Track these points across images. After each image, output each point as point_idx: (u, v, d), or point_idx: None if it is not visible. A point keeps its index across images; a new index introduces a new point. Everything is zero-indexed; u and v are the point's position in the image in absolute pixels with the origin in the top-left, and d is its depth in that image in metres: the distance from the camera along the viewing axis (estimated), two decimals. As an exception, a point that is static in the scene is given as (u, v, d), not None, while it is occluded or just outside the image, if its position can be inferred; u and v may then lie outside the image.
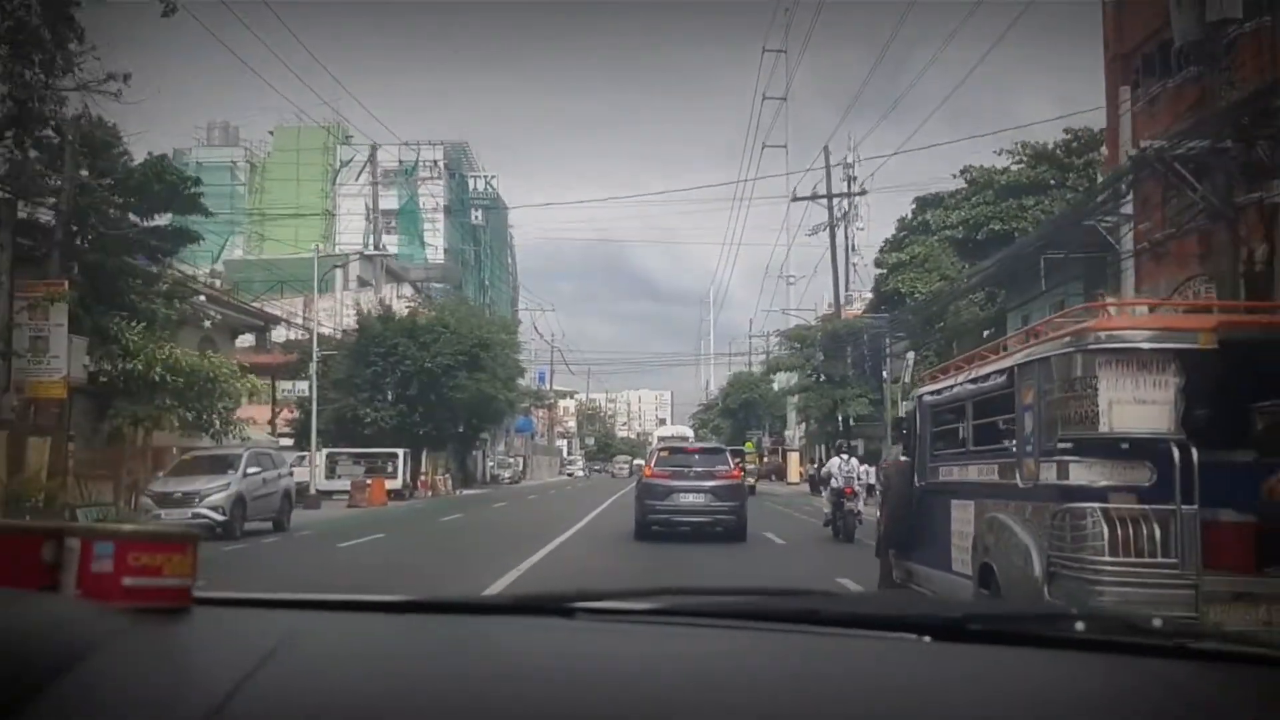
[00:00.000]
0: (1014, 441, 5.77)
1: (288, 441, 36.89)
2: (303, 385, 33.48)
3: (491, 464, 60.32)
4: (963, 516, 6.33)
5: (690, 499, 15.85)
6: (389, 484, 30.45)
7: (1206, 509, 5.15)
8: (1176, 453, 4.90)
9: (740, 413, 65.26)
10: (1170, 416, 4.96)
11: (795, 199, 32.64)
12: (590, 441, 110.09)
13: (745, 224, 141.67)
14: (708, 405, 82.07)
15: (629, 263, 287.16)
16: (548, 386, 77.71)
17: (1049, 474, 5.29)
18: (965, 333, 26.51)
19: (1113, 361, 5.00)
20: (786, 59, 42.90)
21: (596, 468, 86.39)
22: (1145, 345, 5.00)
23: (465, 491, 41.45)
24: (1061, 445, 5.18)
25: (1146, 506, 4.97)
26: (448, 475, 41.69)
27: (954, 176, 33.57)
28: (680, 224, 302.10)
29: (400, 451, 33.01)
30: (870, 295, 38.43)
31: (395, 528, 18.92)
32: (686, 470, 16.35)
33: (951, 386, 6.69)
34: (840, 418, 34.70)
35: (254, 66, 62.60)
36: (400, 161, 54.43)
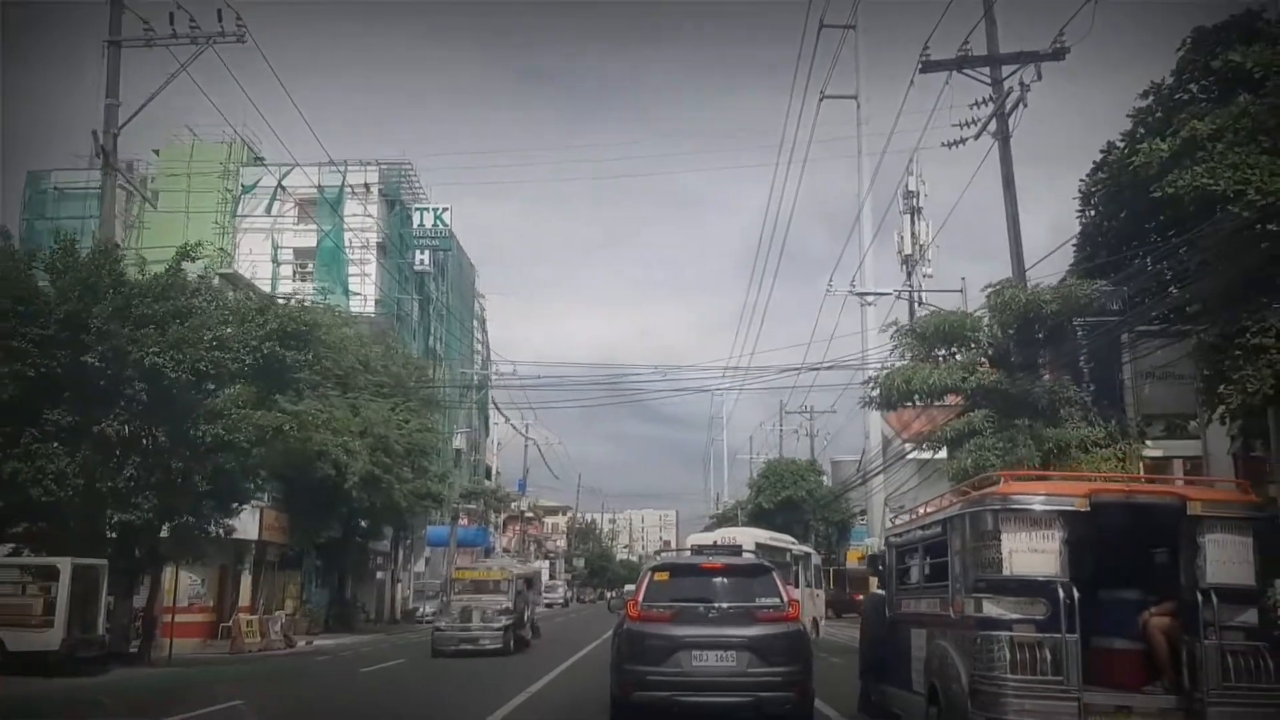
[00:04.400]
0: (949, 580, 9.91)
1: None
2: None
3: (408, 591, 60.77)
4: (919, 643, 10.50)
5: (711, 661, 12.23)
6: (29, 639, 21.68)
7: (1103, 637, 9.25)
8: (1062, 591, 8.95)
9: (778, 517, 63.98)
10: (1058, 562, 9.05)
11: (926, 66, 23.97)
12: (581, 563, 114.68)
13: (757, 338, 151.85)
14: (722, 516, 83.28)
15: (631, 385, 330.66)
16: (523, 493, 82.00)
17: (970, 608, 9.38)
18: None
19: (1011, 518, 9.10)
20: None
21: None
22: (1036, 506, 9.11)
23: (321, 641, 37.07)
24: (978, 584, 9.25)
25: (1042, 635, 9.02)
26: (286, 612, 37.26)
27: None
28: (684, 344, 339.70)
29: (63, 563, 22.80)
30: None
31: None
32: (704, 609, 12.69)
33: (908, 530, 10.93)
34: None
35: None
36: (319, 187, 57.96)
